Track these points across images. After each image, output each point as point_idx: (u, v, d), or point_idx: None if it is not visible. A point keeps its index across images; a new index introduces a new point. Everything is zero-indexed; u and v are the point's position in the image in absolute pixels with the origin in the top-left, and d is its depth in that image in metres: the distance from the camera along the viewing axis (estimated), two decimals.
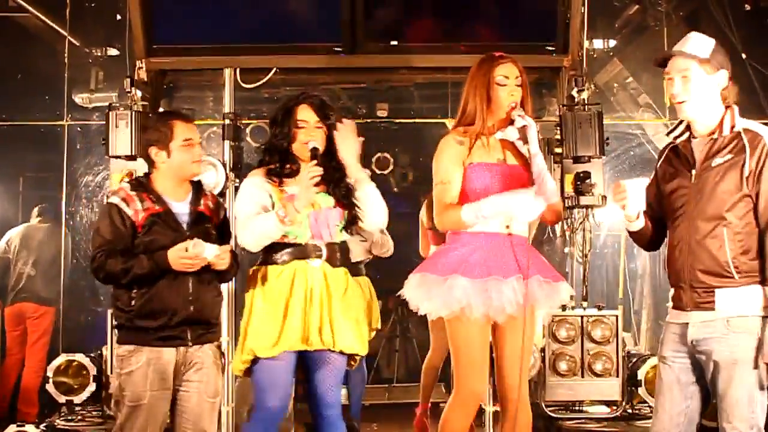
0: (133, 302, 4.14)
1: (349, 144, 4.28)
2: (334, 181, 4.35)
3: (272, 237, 4.23)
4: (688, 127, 3.81)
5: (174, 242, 4.10)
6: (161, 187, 4.26)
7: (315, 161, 4.19)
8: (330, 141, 4.34)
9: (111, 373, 4.37)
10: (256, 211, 4.25)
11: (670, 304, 3.86)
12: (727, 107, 3.74)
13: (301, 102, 4.36)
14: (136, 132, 6.12)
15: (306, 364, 4.34)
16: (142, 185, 4.26)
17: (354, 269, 6.82)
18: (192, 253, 4.04)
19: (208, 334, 4.31)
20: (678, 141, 3.83)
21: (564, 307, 6.38)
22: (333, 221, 4.33)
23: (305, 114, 4.34)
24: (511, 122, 4.02)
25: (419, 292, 4.03)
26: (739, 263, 3.62)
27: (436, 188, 4.09)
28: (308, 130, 4.31)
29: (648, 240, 3.98)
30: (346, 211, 4.35)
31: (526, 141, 3.98)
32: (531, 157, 4.00)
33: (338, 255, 4.36)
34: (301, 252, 4.29)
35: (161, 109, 6.90)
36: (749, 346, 3.58)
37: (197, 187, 4.38)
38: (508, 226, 4.01)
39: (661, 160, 3.91)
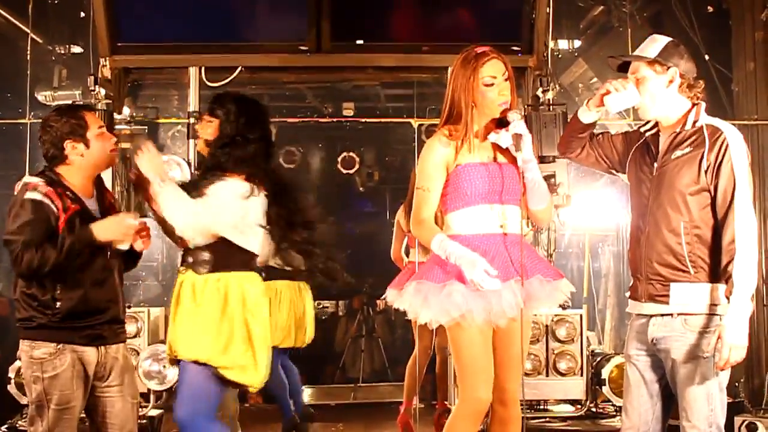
0: (58, 303, 3.99)
1: (147, 159, 4.18)
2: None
3: None
4: (658, 123, 3.86)
5: None
6: (73, 183, 4.10)
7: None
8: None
9: (23, 377, 4.15)
10: None
11: (629, 293, 3.91)
12: (694, 104, 3.79)
13: None
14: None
15: None
16: (54, 181, 4.07)
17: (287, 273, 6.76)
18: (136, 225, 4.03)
19: (121, 333, 4.26)
20: (647, 135, 3.89)
21: None
22: None
23: None
24: (504, 122, 3.89)
25: (416, 300, 3.89)
26: (695, 258, 3.65)
27: (417, 192, 3.97)
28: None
29: (577, 139, 4.01)
30: None
31: (518, 148, 3.83)
32: (524, 163, 3.88)
33: (202, 260, 4.23)
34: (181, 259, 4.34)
35: (126, 108, 6.85)
36: (706, 344, 3.61)
37: (99, 182, 4.28)
38: (502, 225, 3.91)
39: (637, 145, 3.93)
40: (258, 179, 4.21)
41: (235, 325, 4.12)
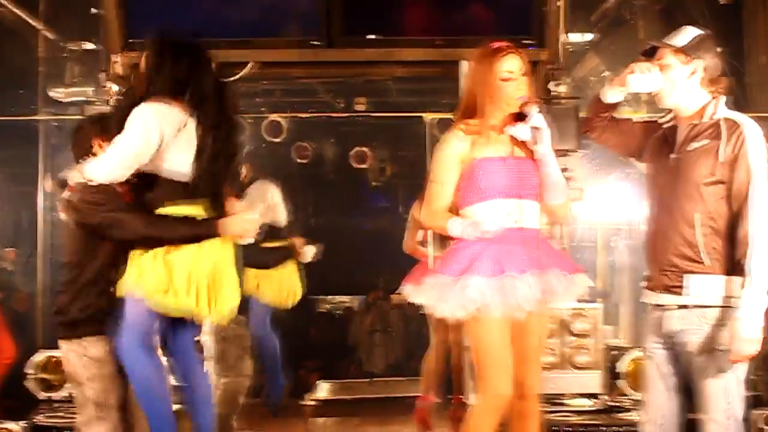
0: None
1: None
2: None
3: None
4: (677, 115, 3.87)
5: None
6: None
7: None
8: None
9: (76, 377, 4.10)
10: None
11: (644, 283, 3.91)
12: (714, 97, 3.79)
13: None
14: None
15: None
16: None
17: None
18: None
19: None
20: (666, 126, 3.89)
21: None
22: None
23: None
24: (523, 116, 3.91)
25: (433, 295, 3.91)
26: (710, 249, 3.65)
27: (430, 185, 4.01)
28: None
29: (598, 119, 4.02)
30: None
31: (537, 141, 3.87)
32: (541, 156, 3.90)
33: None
34: None
35: None
36: (723, 336, 3.61)
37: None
38: (517, 221, 3.92)
39: (655, 135, 3.93)
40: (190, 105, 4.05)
41: (153, 254, 3.96)
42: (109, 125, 4.13)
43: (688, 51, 3.76)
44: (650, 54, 3.88)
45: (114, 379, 4.03)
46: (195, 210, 4.02)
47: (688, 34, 3.80)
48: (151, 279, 3.92)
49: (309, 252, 6.72)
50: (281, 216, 6.81)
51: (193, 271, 3.96)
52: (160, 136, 3.94)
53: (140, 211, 3.97)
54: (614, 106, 4.00)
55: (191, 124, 4.03)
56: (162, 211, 3.98)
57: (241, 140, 4.28)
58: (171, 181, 4.02)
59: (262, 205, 6.56)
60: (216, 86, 4.17)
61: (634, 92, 3.93)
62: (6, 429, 5.97)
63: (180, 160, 4.02)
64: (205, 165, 4.03)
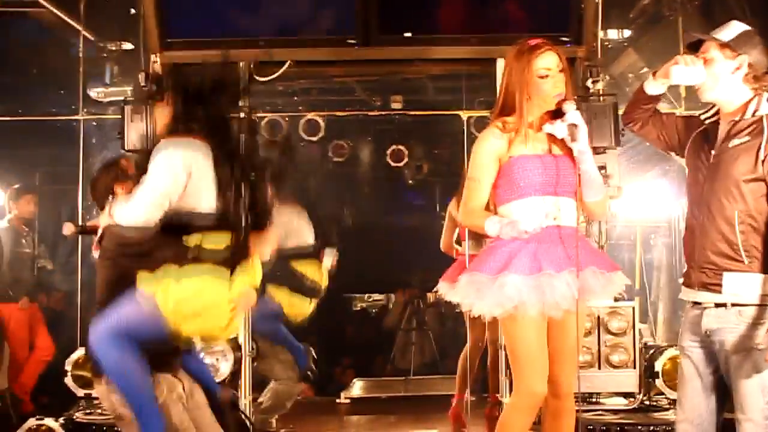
0: None
1: None
2: None
3: None
4: (719, 111, 3.85)
5: None
6: None
7: None
8: None
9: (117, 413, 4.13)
10: None
11: (682, 280, 3.90)
12: (757, 94, 3.76)
13: None
14: (152, 126, 6.08)
15: None
16: None
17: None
18: None
19: None
20: (707, 122, 3.86)
21: None
22: None
23: None
24: (560, 113, 3.92)
25: (469, 293, 3.93)
26: (749, 247, 3.62)
27: (467, 183, 4.02)
28: None
29: (641, 110, 3.98)
30: None
31: (574, 138, 3.86)
32: (579, 153, 3.90)
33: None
34: None
35: None
36: (760, 335, 3.57)
37: None
38: (555, 218, 3.93)
39: (696, 131, 3.90)
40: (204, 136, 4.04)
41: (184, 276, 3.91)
42: (122, 173, 4.17)
43: (733, 46, 3.73)
44: (695, 47, 3.86)
45: (161, 409, 4.01)
46: (223, 239, 3.96)
47: (734, 28, 3.77)
48: (178, 301, 3.85)
49: (329, 256, 6.67)
50: (307, 238, 6.77)
51: (219, 299, 3.91)
52: (187, 173, 3.92)
53: (173, 246, 3.92)
54: (656, 98, 3.97)
55: (209, 156, 4.00)
56: (189, 240, 3.93)
57: (265, 162, 4.25)
58: (198, 212, 3.98)
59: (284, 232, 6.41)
60: (230, 114, 4.16)
61: (676, 84, 3.92)
62: (45, 425, 6.03)
63: (205, 193, 3.98)
64: (226, 194, 3.98)
